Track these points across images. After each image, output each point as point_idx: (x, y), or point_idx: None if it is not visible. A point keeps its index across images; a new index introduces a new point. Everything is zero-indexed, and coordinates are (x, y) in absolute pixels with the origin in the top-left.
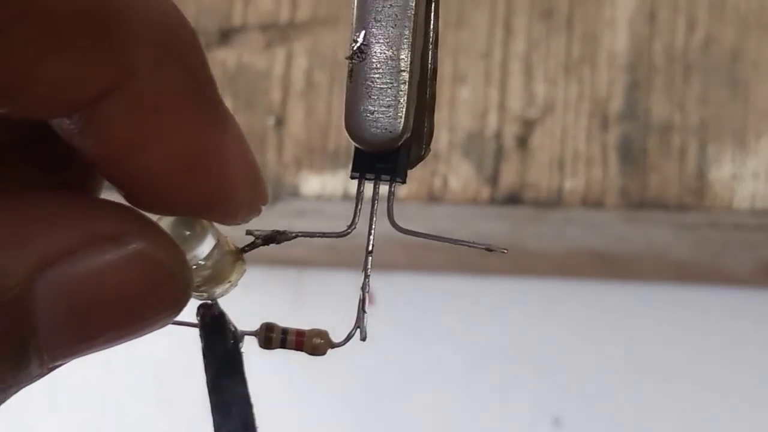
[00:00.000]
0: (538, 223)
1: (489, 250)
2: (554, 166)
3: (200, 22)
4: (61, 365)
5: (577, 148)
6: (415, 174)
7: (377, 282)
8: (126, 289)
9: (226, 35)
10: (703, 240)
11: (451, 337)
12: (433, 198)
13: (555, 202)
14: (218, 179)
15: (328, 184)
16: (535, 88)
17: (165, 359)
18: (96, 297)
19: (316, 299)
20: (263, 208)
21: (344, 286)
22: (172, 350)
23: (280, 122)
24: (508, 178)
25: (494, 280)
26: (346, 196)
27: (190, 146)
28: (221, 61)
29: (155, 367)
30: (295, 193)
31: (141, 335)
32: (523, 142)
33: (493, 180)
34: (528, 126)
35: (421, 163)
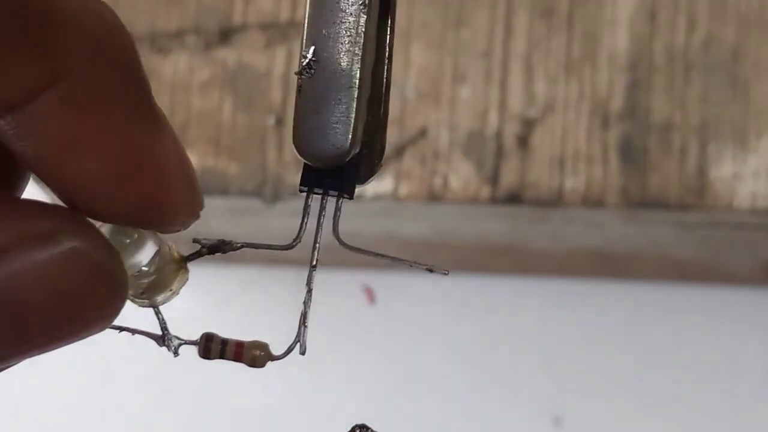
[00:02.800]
0: (538, 223)
1: (431, 271)
2: (555, 166)
3: (200, 22)
4: (4, 368)
5: (578, 147)
6: (415, 173)
7: (378, 280)
8: (61, 288)
9: (226, 34)
10: (703, 239)
11: (450, 337)
12: (433, 197)
13: (555, 201)
14: (154, 180)
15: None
16: (536, 87)
17: (164, 359)
18: (29, 296)
19: (315, 299)
20: (200, 213)
21: (344, 285)
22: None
23: (280, 121)
24: (509, 177)
25: (494, 280)
26: None
27: (124, 147)
28: (221, 60)
29: (154, 366)
30: (295, 193)
31: (81, 337)
32: (523, 141)
33: (494, 179)
34: (528, 125)
35: (375, 176)
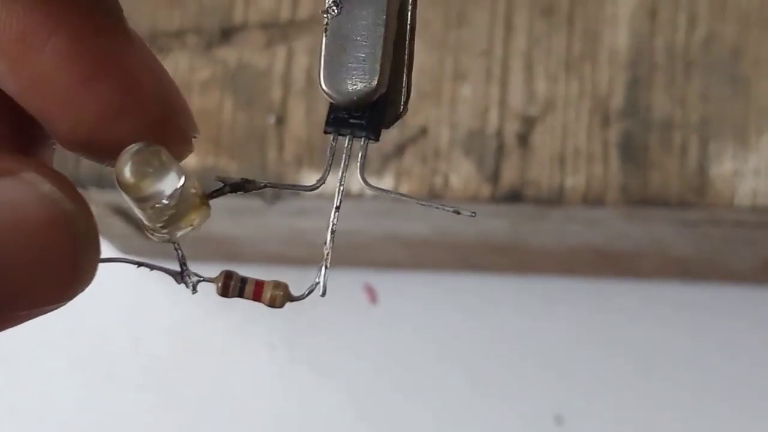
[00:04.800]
0: (539, 221)
1: (457, 213)
2: (555, 164)
3: (201, 21)
4: None
5: (578, 145)
6: (415, 172)
7: (378, 280)
8: (18, 228)
9: (226, 34)
10: (704, 237)
11: (451, 336)
12: (433, 196)
13: (556, 199)
14: (122, 87)
15: (328, 183)
16: (536, 85)
17: (164, 359)
18: None
19: (315, 298)
20: (193, 137)
21: (344, 285)
22: (175, 351)
23: (280, 121)
24: (509, 175)
25: (495, 278)
26: (347, 195)
27: (83, 50)
28: (222, 59)
29: (154, 366)
30: (295, 193)
31: (37, 294)
32: (523, 139)
33: (494, 178)
34: (529, 123)
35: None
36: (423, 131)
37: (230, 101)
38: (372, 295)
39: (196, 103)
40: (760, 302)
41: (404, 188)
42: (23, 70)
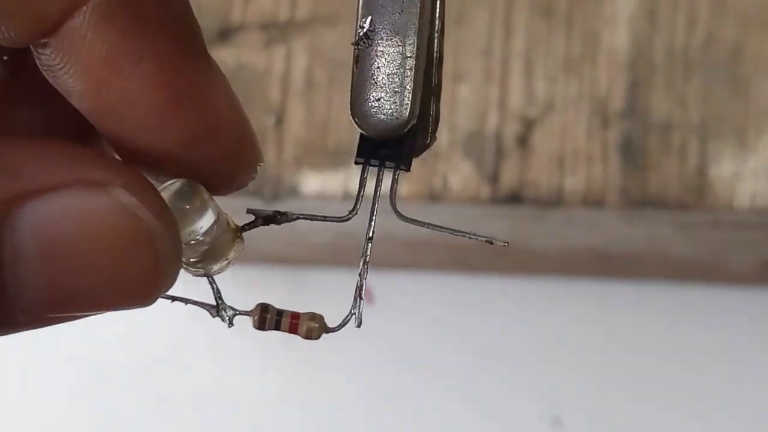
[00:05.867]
0: (538, 222)
1: (490, 242)
2: (554, 165)
3: (200, 21)
4: (38, 318)
5: (578, 146)
6: (415, 173)
7: (376, 280)
8: (99, 239)
9: (225, 34)
10: (703, 238)
11: (450, 336)
12: (433, 197)
13: (555, 200)
14: (201, 116)
15: (328, 184)
16: (536, 86)
17: (163, 358)
18: (66, 240)
19: (316, 299)
20: (258, 167)
21: (344, 286)
22: (171, 350)
23: (279, 121)
24: (509, 176)
25: (494, 279)
26: (346, 196)
27: (168, 76)
28: (221, 60)
29: (153, 367)
30: (295, 193)
31: (120, 302)
32: (523, 140)
33: (494, 179)
34: (528, 124)
35: (426, 152)
36: None
37: None
38: (369, 296)
39: None
40: (759, 303)
41: (404, 190)
42: (106, 92)
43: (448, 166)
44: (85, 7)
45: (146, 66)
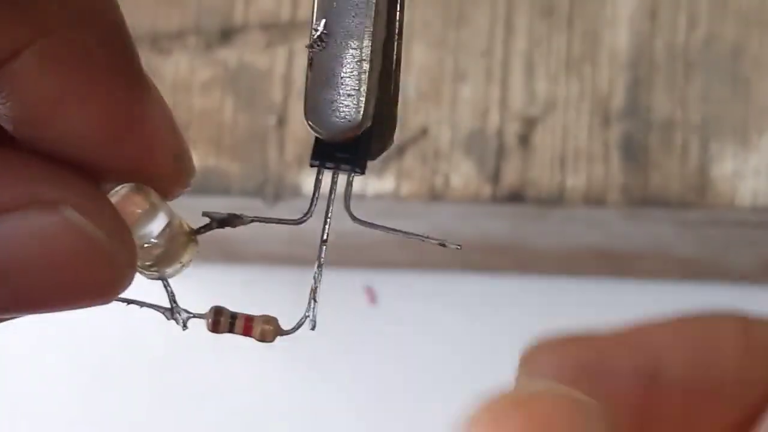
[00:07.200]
0: (539, 221)
1: (443, 245)
2: (556, 164)
3: (201, 22)
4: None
5: (579, 145)
6: (416, 172)
7: (379, 280)
8: (52, 258)
9: (227, 34)
10: (704, 237)
11: (452, 336)
12: (434, 196)
13: (557, 199)
14: (140, 140)
15: (329, 183)
16: (537, 85)
17: (160, 358)
18: (21, 260)
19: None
20: (190, 181)
21: (345, 284)
22: (171, 349)
23: (281, 121)
24: (510, 176)
25: (495, 279)
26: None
27: (109, 109)
28: (222, 60)
29: (153, 366)
30: (296, 193)
31: (77, 306)
32: (524, 140)
33: (495, 178)
34: (529, 124)
35: (384, 154)
36: (423, 132)
37: (231, 102)
38: (372, 296)
39: (196, 104)
40: (760, 302)
41: (405, 189)
42: (47, 129)
43: (450, 165)
44: (27, 51)
45: (90, 106)
